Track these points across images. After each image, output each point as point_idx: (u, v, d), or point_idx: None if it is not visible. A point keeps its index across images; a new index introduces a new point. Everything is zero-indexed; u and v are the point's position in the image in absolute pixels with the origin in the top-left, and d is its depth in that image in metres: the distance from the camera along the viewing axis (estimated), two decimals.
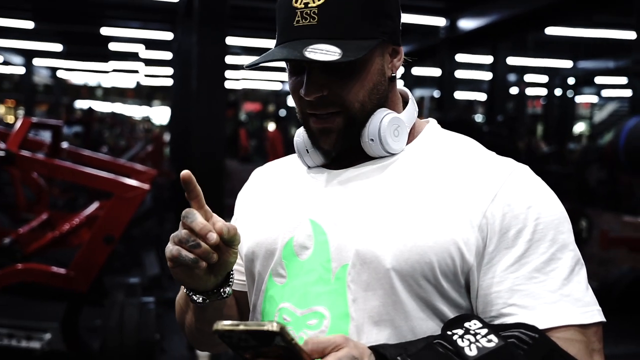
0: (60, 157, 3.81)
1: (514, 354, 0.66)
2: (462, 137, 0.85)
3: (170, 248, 0.73)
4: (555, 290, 0.73)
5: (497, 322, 0.73)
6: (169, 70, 12.09)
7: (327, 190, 0.83)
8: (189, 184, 0.74)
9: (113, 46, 11.98)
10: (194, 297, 0.79)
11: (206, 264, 0.73)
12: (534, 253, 0.74)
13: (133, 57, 13.20)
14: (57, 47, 12.82)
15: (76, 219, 3.53)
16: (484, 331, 0.68)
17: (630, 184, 7.57)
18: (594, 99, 18.55)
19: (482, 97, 17.20)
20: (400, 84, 0.88)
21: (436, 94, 10.31)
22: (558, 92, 15.08)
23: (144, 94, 23.31)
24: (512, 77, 12.66)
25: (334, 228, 0.79)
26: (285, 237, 0.82)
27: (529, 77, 14.01)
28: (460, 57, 9.29)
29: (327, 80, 0.78)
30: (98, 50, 13.27)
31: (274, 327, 0.58)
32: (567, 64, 12.87)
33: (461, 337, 0.68)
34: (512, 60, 9.91)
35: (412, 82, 12.64)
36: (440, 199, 0.77)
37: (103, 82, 22.14)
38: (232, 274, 0.80)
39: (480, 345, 0.66)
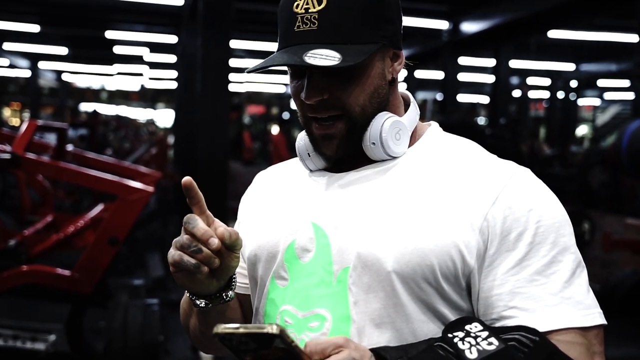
0: (65, 160, 3.82)
1: (515, 356, 0.66)
2: (463, 140, 0.85)
3: (172, 253, 0.74)
4: (556, 292, 0.73)
5: (498, 324, 0.74)
6: (174, 73, 12.10)
7: (329, 193, 0.83)
8: (190, 190, 0.75)
9: (118, 49, 12.02)
10: (196, 301, 0.80)
11: (208, 268, 0.73)
12: (535, 256, 0.74)
13: (138, 60, 13.25)
14: (63, 51, 12.88)
15: (81, 221, 3.54)
16: (485, 334, 0.68)
17: (633, 186, 7.54)
18: (596, 101, 18.49)
19: (484, 99, 17.15)
20: (402, 87, 0.88)
21: (439, 96, 10.29)
22: (560, 94, 15.04)
23: (148, 97, 23.37)
24: (514, 80, 12.66)
25: (336, 231, 0.80)
26: (287, 240, 0.83)
27: (531, 80, 14.00)
28: (463, 60, 9.27)
29: (327, 84, 0.79)
30: (103, 54, 13.31)
31: (274, 329, 0.58)
32: (570, 66, 12.84)
33: (462, 339, 0.68)
34: (514, 63, 9.90)
35: (415, 84, 12.64)
36: (441, 201, 0.77)
37: (108, 85, 22.22)
38: (234, 278, 0.81)
39: (480, 348, 0.66)
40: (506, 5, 7.06)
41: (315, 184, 0.86)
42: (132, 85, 20.83)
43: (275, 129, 14.23)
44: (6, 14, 9.47)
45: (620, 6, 6.77)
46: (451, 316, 0.76)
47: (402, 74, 0.85)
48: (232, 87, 5.53)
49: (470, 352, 0.66)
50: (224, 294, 0.80)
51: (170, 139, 10.93)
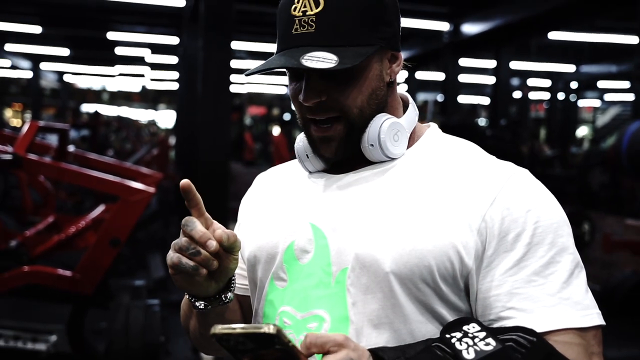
0: (67, 161, 3.84)
1: (512, 357, 0.66)
2: (462, 142, 0.85)
3: (171, 256, 0.74)
4: (554, 293, 0.73)
5: (496, 325, 0.74)
6: (175, 74, 12.12)
7: (327, 194, 0.83)
8: (188, 193, 0.75)
9: (119, 50, 12.03)
10: (195, 303, 0.80)
11: (206, 271, 0.74)
12: (533, 256, 0.74)
13: (139, 61, 13.27)
14: (64, 52, 12.90)
15: (82, 221, 3.55)
16: (482, 334, 0.68)
17: (633, 187, 7.53)
18: (596, 103, 18.48)
19: (485, 101, 17.16)
20: (403, 89, 0.88)
21: (440, 98, 10.30)
22: (561, 96, 15.04)
23: (149, 98, 23.39)
24: (515, 82, 12.65)
25: (334, 232, 0.80)
26: (286, 241, 0.83)
27: (532, 81, 14.00)
28: (463, 62, 9.27)
29: (325, 86, 0.79)
30: (104, 55, 13.34)
31: (271, 329, 0.58)
32: (570, 68, 12.85)
33: (459, 340, 0.68)
34: (515, 65, 9.89)
35: (416, 86, 12.63)
36: (439, 202, 0.77)
37: (109, 86, 22.25)
38: (233, 280, 0.81)
39: (478, 349, 0.67)
40: (507, 7, 7.06)
41: (314, 185, 0.86)
42: (133, 86, 20.85)
43: (276, 130, 14.22)
44: (8, 15, 9.50)
45: (621, 8, 6.78)
46: (449, 317, 0.76)
47: (403, 75, 0.86)
48: (233, 88, 5.54)
49: (468, 353, 0.66)
50: (223, 296, 0.80)
51: (172, 140, 10.94)
